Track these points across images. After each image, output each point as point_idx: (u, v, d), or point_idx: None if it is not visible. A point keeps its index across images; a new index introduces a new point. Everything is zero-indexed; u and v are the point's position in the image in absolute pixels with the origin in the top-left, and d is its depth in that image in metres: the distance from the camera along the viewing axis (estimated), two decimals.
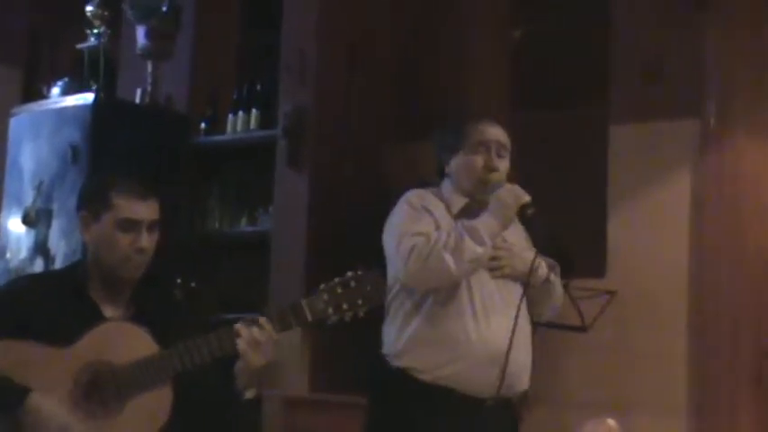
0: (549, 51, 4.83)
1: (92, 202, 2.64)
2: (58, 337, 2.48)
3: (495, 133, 2.96)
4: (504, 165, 2.96)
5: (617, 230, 4.35)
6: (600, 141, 4.44)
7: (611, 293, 4.14)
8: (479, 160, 2.93)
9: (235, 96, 5.09)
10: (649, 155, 4.32)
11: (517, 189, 2.89)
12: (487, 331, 2.85)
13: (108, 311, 2.60)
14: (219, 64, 5.34)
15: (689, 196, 4.24)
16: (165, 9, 4.96)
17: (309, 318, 2.51)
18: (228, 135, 5.04)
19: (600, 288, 4.14)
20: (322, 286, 2.54)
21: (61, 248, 4.59)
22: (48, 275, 3.45)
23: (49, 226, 4.68)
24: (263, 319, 2.50)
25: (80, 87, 4.99)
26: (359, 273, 2.55)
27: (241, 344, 2.47)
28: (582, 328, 4.06)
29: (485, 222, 2.83)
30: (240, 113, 5.00)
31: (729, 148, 4.35)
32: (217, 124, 5.11)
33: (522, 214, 2.87)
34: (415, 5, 5.03)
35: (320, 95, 4.78)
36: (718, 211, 4.30)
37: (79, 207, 2.67)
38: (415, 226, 2.88)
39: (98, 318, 2.56)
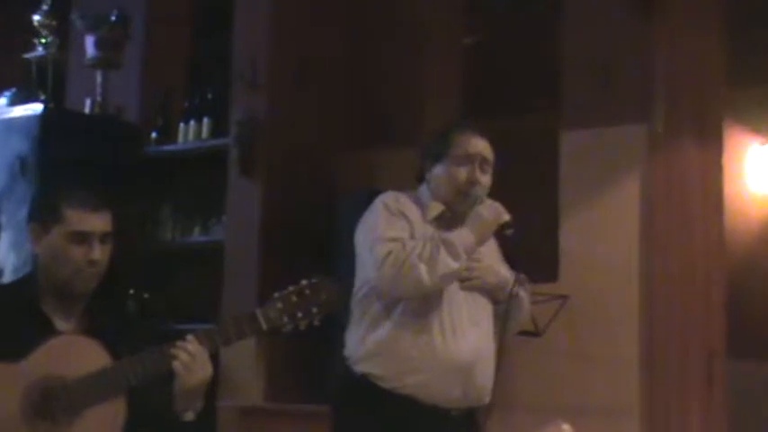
0: (500, 59, 4.88)
1: (42, 214, 2.60)
2: (8, 352, 2.43)
3: (481, 147, 2.93)
4: (486, 179, 2.93)
5: (568, 235, 4.39)
6: (551, 147, 4.48)
7: (564, 298, 4.17)
8: (463, 173, 2.89)
9: (186, 105, 5.07)
10: (599, 160, 4.36)
11: (498, 207, 2.87)
12: (453, 343, 2.83)
13: (61, 324, 2.56)
14: (170, 73, 5.32)
15: (638, 200, 4.28)
16: (114, 18, 4.93)
17: (264, 326, 2.50)
18: (180, 144, 5.02)
19: (552, 293, 4.17)
20: (276, 294, 2.53)
21: (10, 261, 4.54)
22: None
23: None
24: (190, 337, 2.49)
25: (28, 98, 4.94)
26: (313, 281, 2.54)
27: (176, 364, 2.46)
28: (535, 333, 4.09)
29: (462, 237, 2.81)
30: (191, 122, 4.99)
31: (677, 152, 4.42)
32: (168, 134, 5.08)
33: (501, 233, 2.87)
34: (368, 13, 5.05)
35: (272, 103, 4.78)
36: (666, 214, 4.35)
37: (29, 219, 2.63)
38: (390, 231, 2.84)
39: (50, 331, 2.52)
